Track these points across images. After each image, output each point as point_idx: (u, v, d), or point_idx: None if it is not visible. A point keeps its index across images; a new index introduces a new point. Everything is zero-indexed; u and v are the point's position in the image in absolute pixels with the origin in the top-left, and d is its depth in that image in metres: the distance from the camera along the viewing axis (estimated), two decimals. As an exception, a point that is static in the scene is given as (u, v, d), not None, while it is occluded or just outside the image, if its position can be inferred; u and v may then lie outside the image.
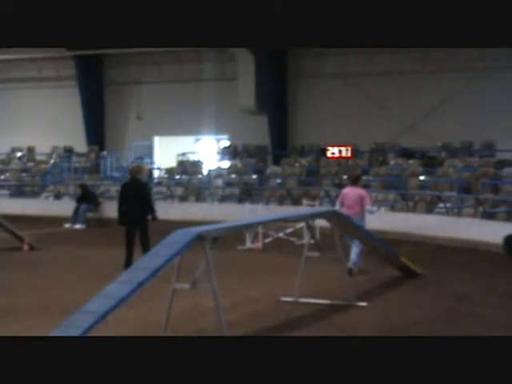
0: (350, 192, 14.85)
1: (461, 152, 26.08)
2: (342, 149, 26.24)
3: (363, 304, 11.73)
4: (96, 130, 31.81)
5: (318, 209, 18.05)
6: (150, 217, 14.81)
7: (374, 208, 15.65)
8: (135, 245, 14.67)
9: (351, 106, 28.31)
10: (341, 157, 26.38)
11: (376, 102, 27.97)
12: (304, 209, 21.11)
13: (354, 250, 14.56)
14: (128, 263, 14.18)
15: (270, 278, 14.43)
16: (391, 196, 23.87)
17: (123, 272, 13.78)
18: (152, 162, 30.98)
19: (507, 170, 23.78)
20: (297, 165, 27.62)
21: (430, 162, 26.04)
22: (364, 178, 20.94)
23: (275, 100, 28.89)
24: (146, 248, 14.14)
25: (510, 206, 20.84)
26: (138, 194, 14.64)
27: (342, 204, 14.87)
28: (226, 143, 30.51)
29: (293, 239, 19.06)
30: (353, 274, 14.16)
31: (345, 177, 24.25)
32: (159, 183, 28.84)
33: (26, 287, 13.45)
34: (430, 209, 22.40)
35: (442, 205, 21.94)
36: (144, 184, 15.37)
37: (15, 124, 32.95)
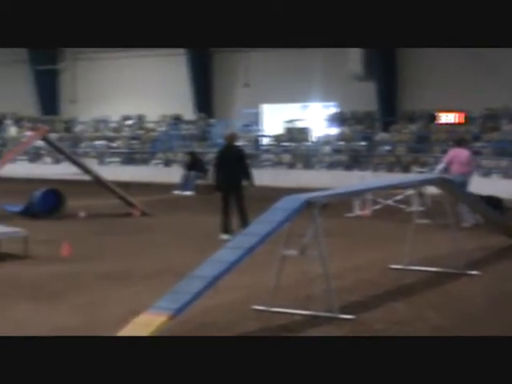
0: (460, 153, 15.97)
1: None
2: (453, 115, 25.68)
3: (474, 272, 11.48)
4: (204, 97, 32.05)
5: (428, 175, 17.73)
6: (245, 182, 15.05)
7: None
8: (232, 210, 14.93)
9: (462, 70, 27.60)
10: (451, 123, 25.83)
11: (488, 65, 27.20)
12: (413, 175, 20.80)
13: (465, 209, 14.63)
14: (226, 228, 14.62)
15: (378, 245, 14.30)
16: (503, 163, 23.26)
17: (222, 236, 14.36)
18: (260, 130, 31.04)
19: None
20: (406, 131, 27.22)
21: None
22: (477, 144, 20.74)
23: (384, 65, 28.46)
24: (242, 213, 14.63)
25: None
26: (235, 159, 14.97)
27: (450, 163, 15.82)
28: (334, 109, 30.27)
29: (402, 206, 18.82)
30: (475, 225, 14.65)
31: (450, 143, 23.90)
32: (267, 150, 28.90)
33: (138, 252, 13.72)
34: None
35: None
36: (241, 150, 15.76)
37: (126, 92, 33.51)
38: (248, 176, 15.01)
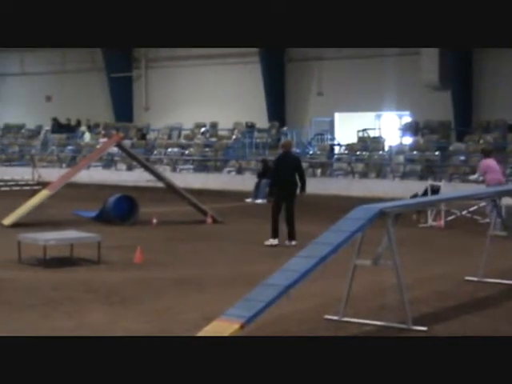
0: (492, 163, 16.99)
1: None
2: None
3: (553, 286, 11.21)
4: (277, 106, 32.04)
5: (504, 186, 17.45)
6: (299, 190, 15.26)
7: None
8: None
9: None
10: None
11: None
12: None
13: None
14: (276, 233, 14.90)
15: (452, 256, 14.08)
16: None
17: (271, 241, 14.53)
18: (332, 138, 30.92)
19: None
20: (481, 141, 26.77)
21: None
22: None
23: (460, 74, 28.04)
24: (291, 221, 14.90)
25: None
26: (293, 167, 15.20)
27: (485, 173, 16.74)
28: (408, 119, 29.98)
29: (477, 217, 18.50)
30: None
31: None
32: (339, 159, 28.77)
33: (209, 259, 13.77)
34: None
35: None
36: (298, 158, 16.21)
37: (199, 100, 33.73)
38: (303, 184, 15.25)
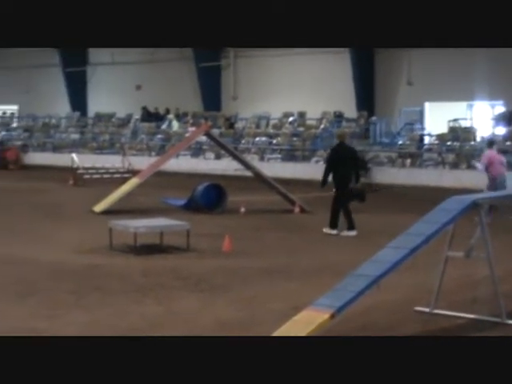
0: (496, 154, 17.25)
1: None
2: None
3: None
4: (366, 95, 31.76)
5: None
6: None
7: None
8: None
9: None
10: None
11: None
12: None
13: None
14: (335, 223, 15.14)
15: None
16: None
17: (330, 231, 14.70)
18: (422, 128, 30.47)
19: None
20: None
21: None
22: None
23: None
24: (339, 212, 15.17)
25: None
26: (350, 158, 15.29)
27: (490, 164, 16.81)
28: (501, 108, 29.31)
29: None
30: None
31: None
32: (429, 149, 28.34)
33: (297, 249, 13.75)
34: None
35: None
36: (354, 149, 16.47)
37: (287, 89, 33.66)
38: (357, 176, 15.43)
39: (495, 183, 16.82)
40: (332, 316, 7.36)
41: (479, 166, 17.67)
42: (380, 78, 31.86)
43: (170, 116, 34.69)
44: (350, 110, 31.60)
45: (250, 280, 10.96)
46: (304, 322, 7.34)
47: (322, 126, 31.48)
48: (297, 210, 18.32)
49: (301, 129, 31.90)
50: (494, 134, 27.52)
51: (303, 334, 7.11)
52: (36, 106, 39.03)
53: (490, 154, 17.34)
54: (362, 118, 31.07)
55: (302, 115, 32.92)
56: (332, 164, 15.45)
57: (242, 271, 11.51)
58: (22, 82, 39.77)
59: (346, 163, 15.17)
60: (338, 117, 31.78)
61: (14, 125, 39.70)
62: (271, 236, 15.14)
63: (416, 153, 27.65)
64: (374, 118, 30.85)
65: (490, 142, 18.26)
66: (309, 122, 32.40)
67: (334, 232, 15.11)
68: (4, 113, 40.78)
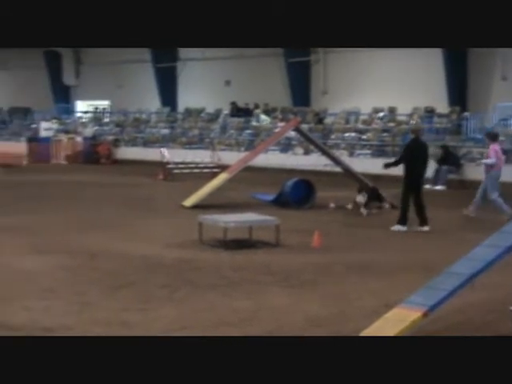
0: (499, 149, 17.09)
1: None
2: None
3: None
4: (458, 90, 31.21)
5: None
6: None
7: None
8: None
9: None
10: None
11: None
12: None
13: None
14: (405, 220, 14.90)
15: None
16: None
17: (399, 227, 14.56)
18: (516, 124, 29.78)
19: None
20: None
21: None
22: None
23: None
24: (422, 208, 14.93)
25: None
26: (422, 153, 15.09)
27: (498, 159, 16.50)
28: None
29: None
30: None
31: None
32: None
33: (386, 245, 13.61)
34: None
35: None
36: (426, 144, 15.87)
37: (377, 84, 33.33)
38: (425, 171, 15.37)
39: (496, 181, 16.59)
40: (425, 314, 7.24)
41: (490, 161, 16.73)
42: (473, 73, 31.26)
43: (258, 111, 34.75)
44: (442, 106, 31.12)
45: (340, 276, 10.88)
46: (396, 320, 7.24)
47: (413, 122, 31.07)
48: (386, 205, 18.11)
49: (391, 124, 31.57)
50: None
51: (395, 331, 7.02)
52: (127, 102, 39.62)
53: (496, 147, 16.87)
54: (454, 114, 30.56)
55: (392, 110, 32.58)
56: (408, 159, 15.20)
57: (331, 267, 11.43)
58: (113, 77, 40.47)
59: (419, 160, 15.00)
60: (429, 112, 31.33)
61: (106, 120, 40.39)
62: (360, 232, 15.02)
63: (510, 149, 27.03)
64: (466, 114, 30.30)
65: (494, 135, 17.58)
66: (399, 118, 32.04)
67: (404, 229, 14.89)
68: (96, 108, 41.52)
